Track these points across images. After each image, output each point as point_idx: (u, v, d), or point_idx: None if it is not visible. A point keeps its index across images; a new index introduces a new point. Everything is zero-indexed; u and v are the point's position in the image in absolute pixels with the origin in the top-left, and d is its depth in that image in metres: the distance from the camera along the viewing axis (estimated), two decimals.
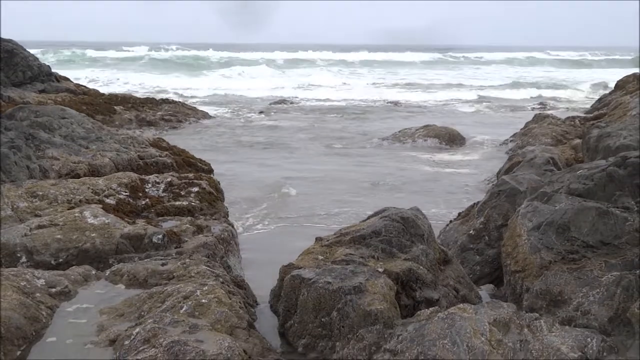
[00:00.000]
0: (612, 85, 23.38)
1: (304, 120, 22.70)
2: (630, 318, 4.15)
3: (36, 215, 6.60)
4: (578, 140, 12.81)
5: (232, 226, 7.27)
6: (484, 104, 30.08)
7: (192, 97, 30.62)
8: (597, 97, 24.49)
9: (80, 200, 7.11)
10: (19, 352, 3.94)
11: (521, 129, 17.14)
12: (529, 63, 71.01)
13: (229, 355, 3.57)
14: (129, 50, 69.05)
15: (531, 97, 33.18)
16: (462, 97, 32.69)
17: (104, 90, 26.36)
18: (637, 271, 4.37)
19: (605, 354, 3.61)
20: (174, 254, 5.88)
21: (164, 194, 7.87)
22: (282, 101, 29.52)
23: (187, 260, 5.38)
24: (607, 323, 4.20)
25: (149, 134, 16.24)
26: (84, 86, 23.43)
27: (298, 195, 11.01)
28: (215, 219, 7.36)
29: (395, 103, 29.74)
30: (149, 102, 21.77)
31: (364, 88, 37.41)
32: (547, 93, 34.76)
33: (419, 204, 6.57)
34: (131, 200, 7.41)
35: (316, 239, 5.67)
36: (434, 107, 28.36)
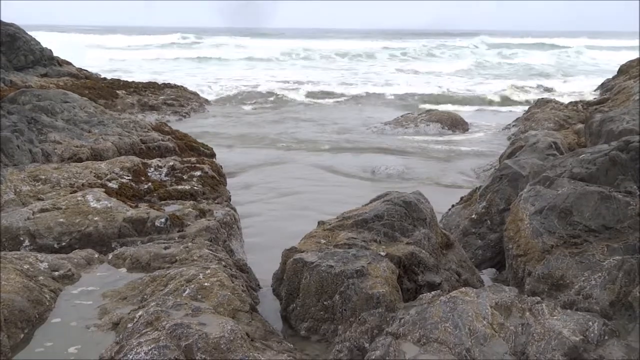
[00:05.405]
0: None
1: (305, 108, 22.60)
2: (631, 302, 4.15)
3: (39, 199, 6.61)
4: (581, 125, 12.78)
5: (235, 210, 7.27)
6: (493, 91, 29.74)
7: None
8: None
9: (82, 184, 7.12)
10: (22, 335, 3.96)
11: (524, 114, 17.11)
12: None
13: (231, 338, 3.58)
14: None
15: (537, 85, 32.79)
16: (466, 85, 32.38)
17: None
18: (639, 255, 4.37)
19: (606, 337, 3.62)
20: (176, 238, 5.89)
21: (167, 178, 7.88)
22: (283, 89, 29.28)
23: (190, 244, 5.40)
24: (608, 307, 4.21)
25: (151, 118, 16.22)
26: (86, 70, 23.37)
27: (296, 180, 11.01)
28: (217, 203, 7.37)
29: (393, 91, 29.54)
30: (151, 87, 21.72)
31: (364, 77, 37.06)
32: (550, 83, 34.23)
33: (420, 188, 6.58)
34: (134, 184, 7.41)
35: (318, 222, 5.67)
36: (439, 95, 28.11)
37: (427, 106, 21.74)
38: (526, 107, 18.88)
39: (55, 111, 9.89)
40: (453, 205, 7.90)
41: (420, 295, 4.24)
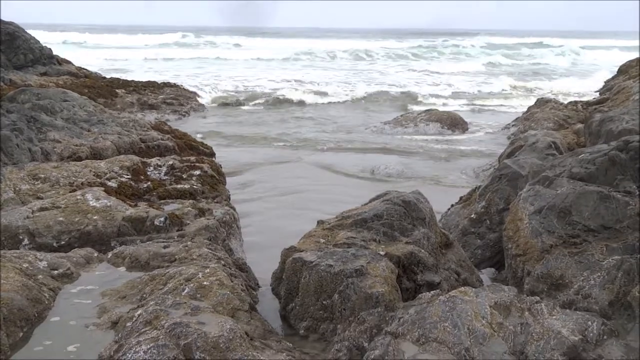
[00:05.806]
0: None
1: (304, 107, 22.56)
2: (630, 302, 4.15)
3: (38, 198, 6.61)
4: (580, 125, 12.78)
5: (234, 209, 7.27)
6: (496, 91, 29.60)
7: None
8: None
9: (82, 183, 7.12)
10: (21, 334, 3.96)
11: (523, 114, 17.11)
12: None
13: (230, 337, 3.58)
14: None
15: (537, 85, 32.63)
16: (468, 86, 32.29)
17: None
18: (638, 255, 4.36)
19: (605, 337, 3.62)
20: (175, 237, 5.89)
21: (166, 177, 7.87)
22: (283, 89, 29.17)
23: (189, 243, 5.39)
24: (607, 307, 4.21)
25: (151, 117, 16.21)
26: (86, 69, 23.34)
27: (296, 180, 11.00)
28: (217, 202, 7.37)
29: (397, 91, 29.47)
30: (151, 86, 21.71)
31: (364, 77, 36.96)
32: (550, 82, 34.04)
33: (420, 188, 6.57)
34: (133, 183, 7.41)
35: (318, 222, 5.67)
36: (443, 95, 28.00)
37: (427, 106, 21.74)
38: (526, 107, 18.88)
39: (54, 110, 9.88)
40: (452, 205, 7.90)
41: (420, 295, 4.24)
